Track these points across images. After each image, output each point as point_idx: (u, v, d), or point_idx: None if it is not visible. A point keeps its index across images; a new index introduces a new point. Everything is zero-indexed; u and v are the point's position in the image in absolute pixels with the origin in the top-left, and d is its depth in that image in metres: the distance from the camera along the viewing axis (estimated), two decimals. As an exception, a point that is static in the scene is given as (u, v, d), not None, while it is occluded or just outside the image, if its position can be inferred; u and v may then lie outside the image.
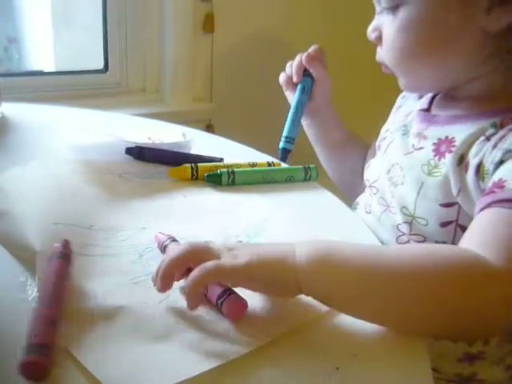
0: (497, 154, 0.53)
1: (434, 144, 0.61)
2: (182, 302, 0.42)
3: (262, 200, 0.63)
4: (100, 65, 1.36)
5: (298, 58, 0.79)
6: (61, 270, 0.44)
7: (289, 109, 0.80)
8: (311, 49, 0.80)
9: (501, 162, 0.52)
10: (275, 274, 0.42)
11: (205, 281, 0.42)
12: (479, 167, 0.55)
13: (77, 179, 0.63)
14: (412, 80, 0.65)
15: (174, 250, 0.45)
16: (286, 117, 0.79)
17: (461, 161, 0.57)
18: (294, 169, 0.71)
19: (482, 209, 0.48)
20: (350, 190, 0.82)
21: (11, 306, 0.42)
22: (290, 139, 0.77)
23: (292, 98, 0.80)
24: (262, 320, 0.42)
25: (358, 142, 0.85)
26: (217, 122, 1.43)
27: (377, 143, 0.76)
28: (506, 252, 0.42)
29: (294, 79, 0.79)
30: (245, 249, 0.44)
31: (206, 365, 0.37)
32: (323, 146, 0.85)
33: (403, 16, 0.60)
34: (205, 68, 1.42)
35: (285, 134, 0.77)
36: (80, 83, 1.34)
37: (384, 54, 0.64)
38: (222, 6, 1.38)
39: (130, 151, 0.70)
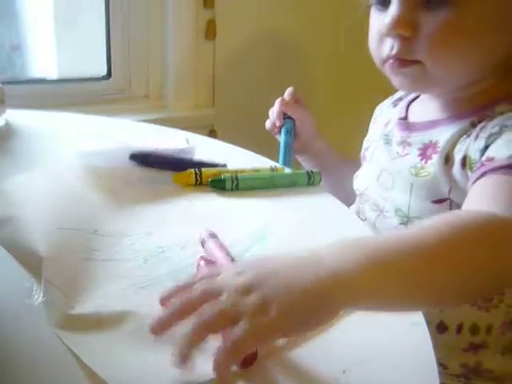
0: (480, 142, 0.57)
1: (420, 149, 0.65)
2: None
3: (265, 205, 0.63)
4: (103, 71, 1.37)
5: (276, 105, 0.86)
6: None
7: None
8: (285, 94, 0.86)
9: (486, 148, 0.55)
10: (316, 301, 0.35)
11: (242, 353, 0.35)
12: (465, 160, 0.58)
13: (81, 185, 0.63)
14: (445, 76, 0.62)
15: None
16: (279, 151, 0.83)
17: (447, 160, 0.61)
18: (297, 173, 0.71)
19: (477, 179, 0.52)
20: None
21: (17, 312, 0.43)
22: None
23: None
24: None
25: (353, 163, 0.87)
26: (219, 128, 1.43)
27: (361, 154, 0.78)
28: None
29: (277, 123, 0.85)
30: (264, 284, 0.36)
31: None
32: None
33: (457, 17, 0.58)
34: (207, 74, 1.43)
35: None
36: (83, 90, 1.34)
37: (425, 50, 0.60)
38: (224, 13, 1.38)
39: (134, 157, 0.70)
